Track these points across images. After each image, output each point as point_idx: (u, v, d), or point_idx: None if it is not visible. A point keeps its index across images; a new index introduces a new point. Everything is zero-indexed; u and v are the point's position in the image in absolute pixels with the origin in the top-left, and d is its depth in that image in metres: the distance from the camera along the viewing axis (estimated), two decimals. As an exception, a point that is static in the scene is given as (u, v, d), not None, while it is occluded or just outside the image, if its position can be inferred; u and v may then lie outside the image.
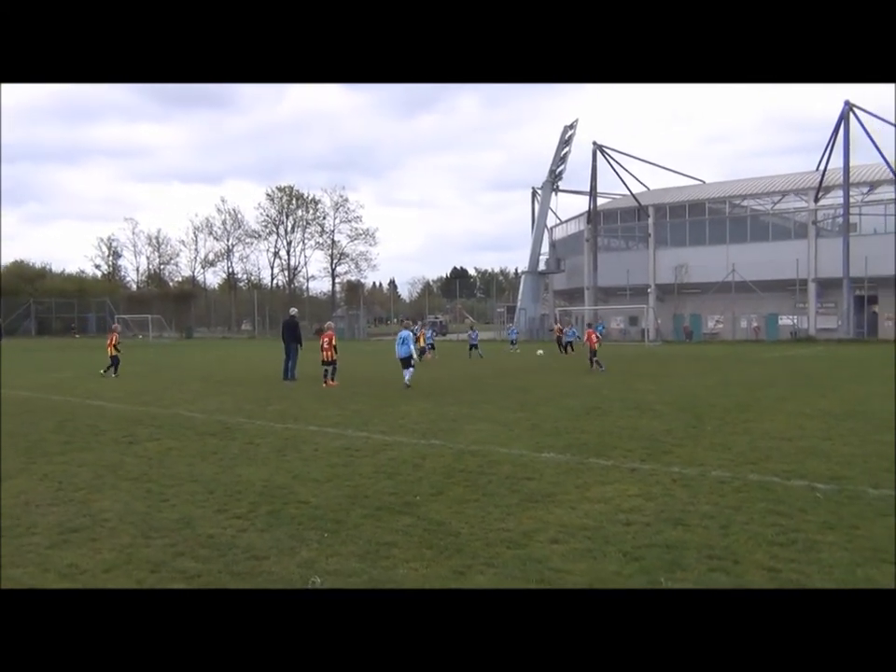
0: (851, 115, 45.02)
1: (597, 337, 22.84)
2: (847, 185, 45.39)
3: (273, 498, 6.78)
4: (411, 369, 17.02)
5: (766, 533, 5.52)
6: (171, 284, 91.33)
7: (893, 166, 44.35)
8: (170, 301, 77.43)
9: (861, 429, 10.30)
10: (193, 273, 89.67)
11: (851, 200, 46.18)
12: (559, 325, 40.85)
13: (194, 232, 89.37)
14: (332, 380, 17.84)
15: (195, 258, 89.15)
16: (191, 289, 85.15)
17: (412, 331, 18.12)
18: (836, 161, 46.11)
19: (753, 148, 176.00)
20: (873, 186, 48.22)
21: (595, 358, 21.67)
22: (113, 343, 21.68)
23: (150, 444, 9.80)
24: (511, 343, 38.69)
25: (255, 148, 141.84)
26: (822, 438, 9.66)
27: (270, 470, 8.03)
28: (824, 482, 7.15)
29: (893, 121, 44.90)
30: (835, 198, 47.56)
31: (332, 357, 17.98)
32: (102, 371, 21.51)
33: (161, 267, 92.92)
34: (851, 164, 45.52)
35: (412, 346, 17.41)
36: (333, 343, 18.19)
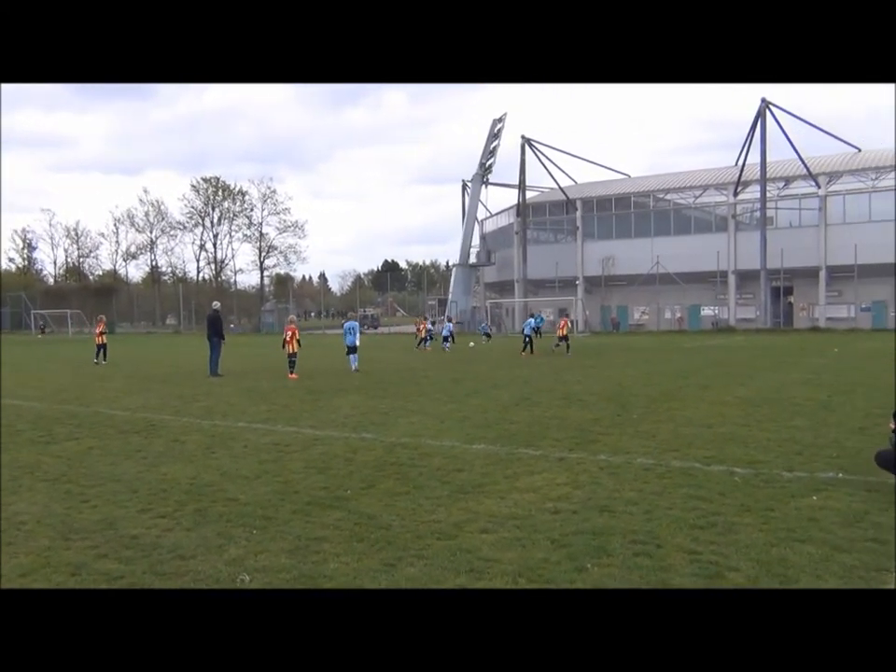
0: (768, 112, 46.71)
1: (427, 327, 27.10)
2: (763, 180, 47.09)
3: (201, 496, 6.64)
4: (356, 355, 19.50)
5: (688, 517, 5.71)
6: (91, 277, 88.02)
7: (807, 162, 46.28)
8: (90, 296, 74.51)
9: (777, 415, 10.74)
10: (115, 266, 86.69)
11: (768, 194, 47.94)
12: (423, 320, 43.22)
13: (115, 224, 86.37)
14: (292, 373, 18.31)
15: (116, 250, 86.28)
16: (113, 283, 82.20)
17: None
18: (754, 157, 47.87)
19: (674, 145, 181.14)
20: (788, 181, 50.15)
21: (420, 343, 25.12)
22: (100, 331, 24.62)
23: (70, 444, 9.46)
24: (487, 335, 39.79)
25: (177, 139, 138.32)
26: (741, 424, 10.04)
27: (197, 468, 7.87)
28: (742, 466, 7.43)
29: (806, 119, 46.97)
30: (753, 192, 49.31)
31: (295, 349, 18.56)
32: (94, 360, 24.28)
33: (81, 260, 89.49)
34: (768, 160, 47.26)
35: (357, 336, 19.70)
36: (297, 336, 18.81)
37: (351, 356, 19.55)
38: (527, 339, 27.41)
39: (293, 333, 18.65)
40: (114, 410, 12.65)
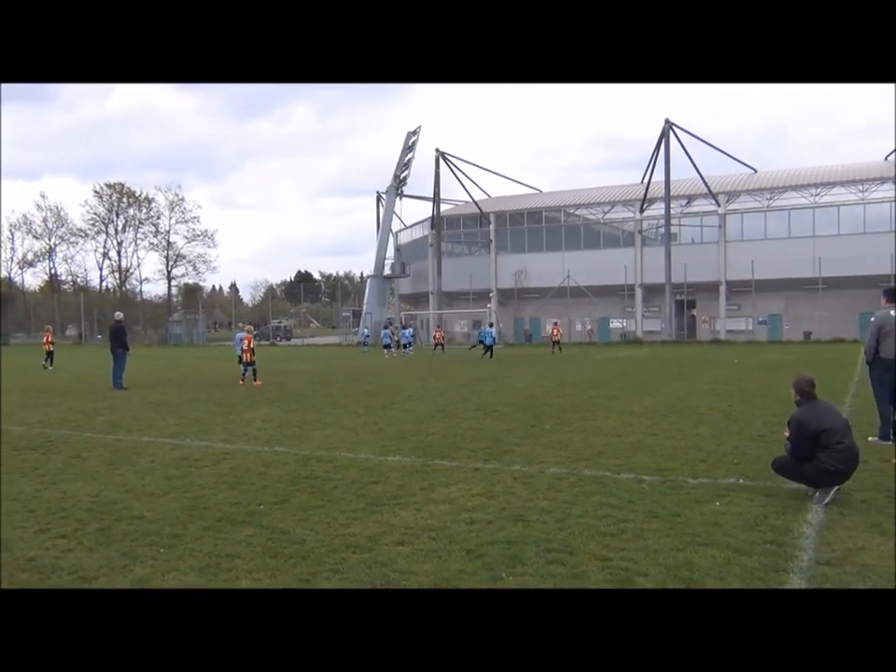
0: (671, 133, 48.63)
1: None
2: (668, 198, 48.94)
3: (104, 515, 6.37)
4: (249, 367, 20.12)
5: (599, 525, 5.84)
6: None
7: (707, 181, 48.39)
8: (-18, 304, 70.55)
9: (682, 424, 11.14)
10: (9, 273, 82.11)
11: (672, 212, 49.84)
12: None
13: (10, 230, 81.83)
14: (256, 380, 18.86)
15: (11, 257, 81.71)
16: (7, 292, 77.88)
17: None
18: (658, 176, 49.69)
19: (577, 163, 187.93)
20: (690, 199, 52.29)
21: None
22: (48, 340, 28.03)
23: (-41, 462, 8.91)
24: (405, 346, 38.09)
25: (77, 145, 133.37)
26: (648, 433, 10.36)
27: (99, 485, 7.54)
28: (650, 474, 7.67)
29: (707, 140, 49.12)
30: (658, 210, 51.14)
31: (251, 358, 19.21)
32: (43, 364, 27.06)
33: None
34: (671, 179, 49.16)
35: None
36: (252, 345, 19.51)
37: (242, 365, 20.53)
38: (487, 346, 32.40)
39: (248, 342, 19.44)
40: (9, 425, 11.99)
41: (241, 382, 19.09)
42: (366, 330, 48.24)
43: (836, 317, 43.99)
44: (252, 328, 22.25)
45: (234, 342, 21.50)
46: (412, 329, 40.46)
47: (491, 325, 36.37)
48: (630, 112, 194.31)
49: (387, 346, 36.55)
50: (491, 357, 31.46)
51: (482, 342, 33.71)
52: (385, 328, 39.55)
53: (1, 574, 4.87)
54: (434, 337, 42.20)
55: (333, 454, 9.09)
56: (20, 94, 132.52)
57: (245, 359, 19.54)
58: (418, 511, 6.36)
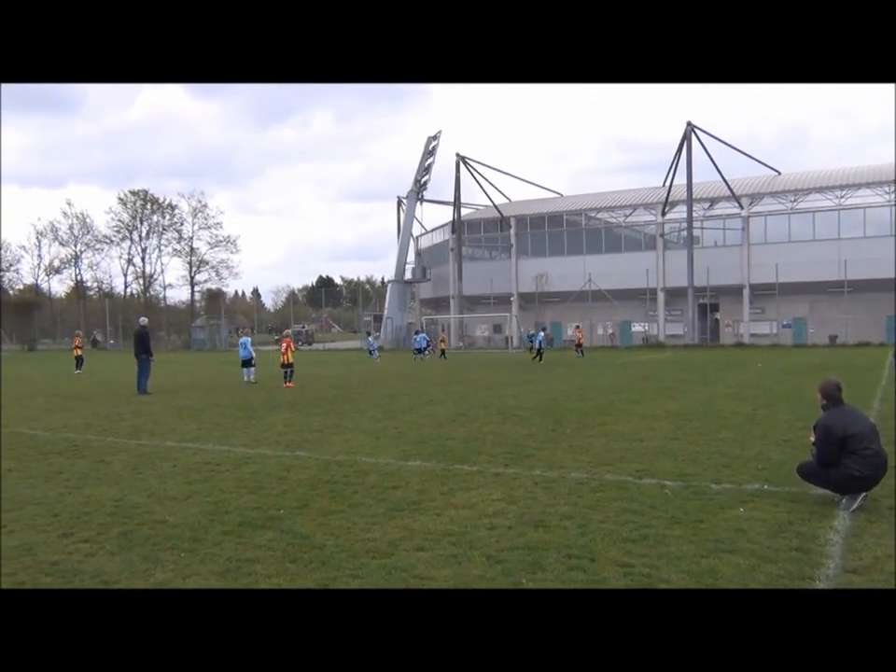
0: (693, 135, 48.29)
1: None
2: (690, 201, 48.60)
3: (126, 519, 6.41)
4: (252, 368, 21.24)
5: (620, 530, 5.78)
6: (11, 292, 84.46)
7: (730, 184, 47.98)
8: (10, 312, 71.56)
9: (705, 429, 11.02)
10: (36, 280, 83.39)
11: (694, 215, 49.47)
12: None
13: (37, 237, 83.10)
14: (286, 382, 19.88)
15: (38, 264, 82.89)
16: (34, 298, 79.16)
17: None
18: (680, 178, 49.34)
19: (593, 167, 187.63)
20: (713, 202, 51.84)
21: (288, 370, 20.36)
22: (76, 345, 28.76)
23: (-14, 466, 9.02)
24: (419, 351, 38.22)
25: (101, 153, 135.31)
26: (671, 438, 10.26)
27: (122, 489, 7.60)
28: (672, 479, 7.59)
29: (729, 142, 48.72)
30: (680, 212, 50.80)
31: (290, 360, 20.19)
32: (76, 371, 27.41)
33: (0, 274, 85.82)
34: (694, 181, 48.79)
35: (250, 350, 21.45)
36: (292, 348, 20.62)
37: (244, 369, 21.38)
38: (539, 349, 32.61)
39: (287, 345, 20.44)
40: (34, 430, 12.14)
41: (285, 384, 19.74)
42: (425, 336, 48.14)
43: (862, 321, 43.40)
44: (289, 332, 23.69)
45: (239, 345, 22.36)
46: (425, 335, 40.59)
47: (544, 329, 37.26)
48: (646, 115, 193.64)
49: (371, 351, 38.52)
50: (540, 359, 31.80)
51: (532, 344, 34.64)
52: (375, 335, 43.21)
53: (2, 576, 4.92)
54: (440, 342, 42.49)
55: (354, 458, 9.10)
56: (45, 103, 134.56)
57: (282, 361, 20.16)
58: (438, 516, 6.34)
